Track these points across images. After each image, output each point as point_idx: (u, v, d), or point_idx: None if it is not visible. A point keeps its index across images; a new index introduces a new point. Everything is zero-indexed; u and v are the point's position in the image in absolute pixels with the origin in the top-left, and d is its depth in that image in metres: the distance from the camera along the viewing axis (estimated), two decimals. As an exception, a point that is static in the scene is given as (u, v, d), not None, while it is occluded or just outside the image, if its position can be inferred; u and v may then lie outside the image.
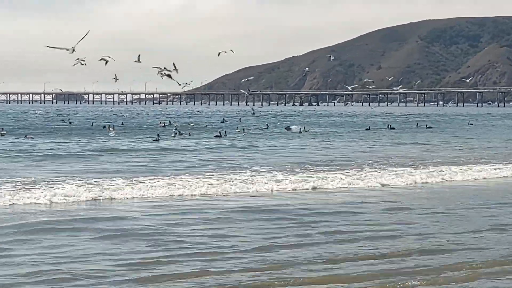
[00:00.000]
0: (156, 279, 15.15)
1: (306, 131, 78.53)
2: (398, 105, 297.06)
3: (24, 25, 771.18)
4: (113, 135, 67.72)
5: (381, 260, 16.85)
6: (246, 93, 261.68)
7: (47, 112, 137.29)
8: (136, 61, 50.59)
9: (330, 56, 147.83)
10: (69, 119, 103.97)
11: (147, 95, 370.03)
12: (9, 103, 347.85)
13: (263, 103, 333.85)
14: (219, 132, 69.62)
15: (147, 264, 16.28)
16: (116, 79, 57.81)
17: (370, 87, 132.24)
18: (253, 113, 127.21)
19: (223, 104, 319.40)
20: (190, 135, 69.31)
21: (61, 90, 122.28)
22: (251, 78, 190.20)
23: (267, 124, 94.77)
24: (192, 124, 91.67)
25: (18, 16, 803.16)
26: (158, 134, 63.85)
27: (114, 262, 16.47)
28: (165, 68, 49.29)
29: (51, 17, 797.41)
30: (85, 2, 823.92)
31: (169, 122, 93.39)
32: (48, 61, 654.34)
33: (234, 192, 29.30)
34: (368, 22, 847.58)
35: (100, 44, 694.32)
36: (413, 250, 17.83)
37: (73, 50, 38.27)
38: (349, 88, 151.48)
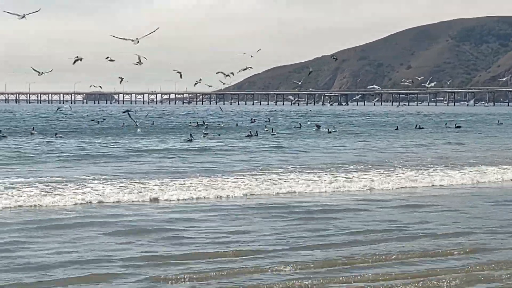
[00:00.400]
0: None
1: (335, 130, 78.56)
2: (428, 105, 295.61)
3: (53, 25, 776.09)
4: (140, 132, 68.71)
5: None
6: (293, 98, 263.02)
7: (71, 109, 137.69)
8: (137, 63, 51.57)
9: (334, 58, 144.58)
10: (98, 119, 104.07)
11: (176, 95, 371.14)
12: (40, 103, 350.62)
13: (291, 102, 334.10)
14: (250, 132, 70.09)
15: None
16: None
17: (407, 82, 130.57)
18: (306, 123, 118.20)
19: (252, 104, 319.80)
20: (219, 135, 69.76)
21: (101, 87, 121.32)
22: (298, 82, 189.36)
23: (299, 124, 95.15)
24: (222, 124, 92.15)
25: (48, 16, 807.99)
26: (191, 134, 64.21)
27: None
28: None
29: (80, 17, 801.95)
30: (116, 2, 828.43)
31: (203, 122, 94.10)
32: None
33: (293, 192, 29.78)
34: (398, 21, 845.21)
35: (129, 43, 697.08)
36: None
37: (138, 41, 39.24)
38: (376, 87, 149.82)
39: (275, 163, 41.12)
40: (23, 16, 40.24)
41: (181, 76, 57.64)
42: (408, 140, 64.17)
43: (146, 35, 41.23)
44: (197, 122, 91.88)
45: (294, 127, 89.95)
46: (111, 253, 17.63)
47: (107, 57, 54.66)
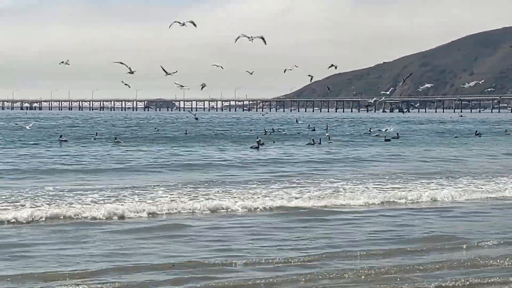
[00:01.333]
0: None
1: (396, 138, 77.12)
2: (491, 112, 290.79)
3: (116, 33, 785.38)
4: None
5: None
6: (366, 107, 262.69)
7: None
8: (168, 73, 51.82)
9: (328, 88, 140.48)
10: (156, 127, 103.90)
11: (237, 102, 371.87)
12: (103, 110, 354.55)
13: (353, 109, 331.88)
14: (312, 140, 68.87)
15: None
16: (203, 86, 58.17)
17: (468, 84, 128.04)
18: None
19: (313, 111, 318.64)
20: (274, 142, 69.14)
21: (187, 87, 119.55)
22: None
23: (369, 129, 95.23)
24: (284, 132, 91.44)
25: (109, 23, 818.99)
26: (258, 141, 63.53)
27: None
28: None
29: (142, 25, 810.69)
30: (181, 9, 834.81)
31: (272, 129, 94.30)
32: (138, 68, 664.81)
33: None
34: (460, 27, 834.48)
35: (195, 51, 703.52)
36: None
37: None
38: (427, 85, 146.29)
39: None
40: (183, 24, 41.63)
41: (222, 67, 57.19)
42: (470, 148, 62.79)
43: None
44: (266, 130, 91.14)
45: (361, 134, 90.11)
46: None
47: (62, 61, 54.87)
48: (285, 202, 27.53)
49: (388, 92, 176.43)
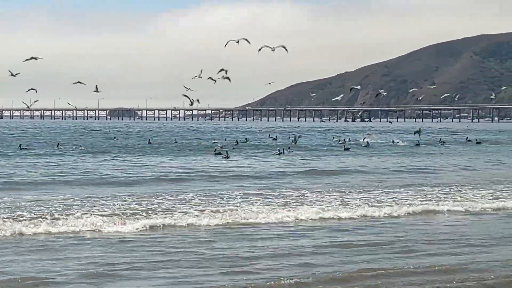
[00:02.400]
0: None
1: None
2: (452, 121, 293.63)
3: (86, 44, 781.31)
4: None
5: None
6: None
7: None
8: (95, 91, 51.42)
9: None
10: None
11: (199, 111, 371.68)
12: (65, 119, 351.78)
13: (315, 119, 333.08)
14: (282, 149, 68.35)
15: None
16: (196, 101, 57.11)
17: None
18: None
19: (275, 120, 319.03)
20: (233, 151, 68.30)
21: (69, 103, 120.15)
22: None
23: (333, 138, 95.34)
24: (247, 142, 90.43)
25: (81, 33, 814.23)
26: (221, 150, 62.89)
27: None
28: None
29: (114, 35, 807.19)
30: (152, 20, 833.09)
31: (245, 139, 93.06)
32: (102, 77, 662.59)
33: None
34: (421, 37, 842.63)
35: (161, 60, 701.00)
36: None
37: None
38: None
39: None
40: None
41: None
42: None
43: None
44: (237, 140, 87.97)
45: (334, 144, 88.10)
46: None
47: (10, 73, 54.12)
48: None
49: (339, 98, 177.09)
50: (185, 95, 55.37)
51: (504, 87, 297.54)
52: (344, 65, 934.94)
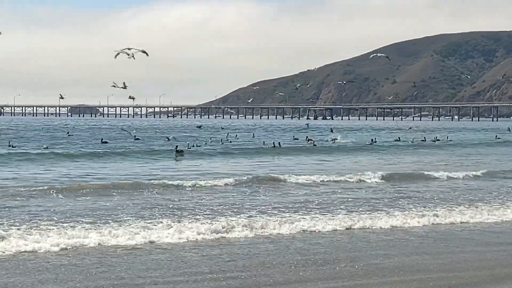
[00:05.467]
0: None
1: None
2: (413, 119, 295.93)
3: (41, 41, 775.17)
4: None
5: None
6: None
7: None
8: (122, 87, 51.46)
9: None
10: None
11: (161, 109, 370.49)
12: (25, 115, 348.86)
13: (277, 116, 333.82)
14: (276, 143, 69.93)
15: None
16: (133, 98, 57.66)
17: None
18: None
19: (237, 118, 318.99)
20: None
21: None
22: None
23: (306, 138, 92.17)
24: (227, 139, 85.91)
25: (35, 31, 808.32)
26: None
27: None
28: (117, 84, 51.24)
29: (67, 32, 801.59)
30: (101, 18, 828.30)
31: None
32: (63, 75, 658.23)
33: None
34: (383, 36, 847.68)
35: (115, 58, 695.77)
36: None
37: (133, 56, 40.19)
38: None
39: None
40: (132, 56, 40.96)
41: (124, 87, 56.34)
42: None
43: (139, 50, 41.47)
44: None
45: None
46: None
47: None
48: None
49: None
50: (113, 86, 55.16)
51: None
52: (306, 64, 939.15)
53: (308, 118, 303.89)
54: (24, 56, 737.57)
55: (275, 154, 61.56)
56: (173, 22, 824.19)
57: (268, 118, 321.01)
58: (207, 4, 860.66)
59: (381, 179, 38.18)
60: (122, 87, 52.05)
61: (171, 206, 26.89)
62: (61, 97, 73.34)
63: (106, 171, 42.51)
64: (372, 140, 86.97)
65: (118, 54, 44.64)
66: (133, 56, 44.52)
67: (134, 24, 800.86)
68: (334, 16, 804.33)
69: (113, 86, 53.76)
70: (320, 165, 49.63)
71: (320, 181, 36.74)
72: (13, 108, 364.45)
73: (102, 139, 79.73)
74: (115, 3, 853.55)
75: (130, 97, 60.08)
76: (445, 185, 36.97)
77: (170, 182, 34.33)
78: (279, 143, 71.36)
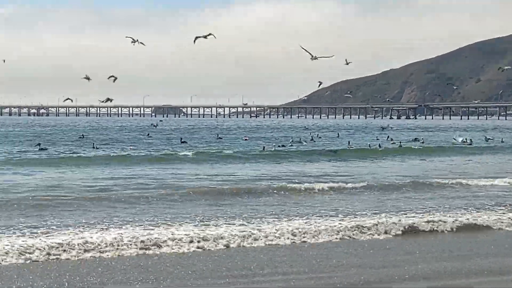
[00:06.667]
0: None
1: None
2: (498, 119, 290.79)
3: (125, 45, 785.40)
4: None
5: None
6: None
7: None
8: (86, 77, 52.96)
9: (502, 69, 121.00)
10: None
11: (244, 108, 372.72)
12: (110, 116, 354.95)
13: (360, 116, 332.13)
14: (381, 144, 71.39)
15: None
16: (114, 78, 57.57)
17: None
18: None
19: (320, 118, 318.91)
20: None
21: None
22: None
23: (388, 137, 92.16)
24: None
25: (114, 33, 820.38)
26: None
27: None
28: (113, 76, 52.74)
29: (150, 33, 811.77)
30: (179, 20, 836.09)
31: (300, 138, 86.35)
32: (146, 75, 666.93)
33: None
34: (467, 34, 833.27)
35: (191, 58, 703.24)
36: None
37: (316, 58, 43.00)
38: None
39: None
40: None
41: (114, 80, 56.89)
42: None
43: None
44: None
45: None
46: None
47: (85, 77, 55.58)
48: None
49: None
50: (86, 78, 56.25)
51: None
52: (390, 63, 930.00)
53: (391, 118, 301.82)
54: (112, 59, 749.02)
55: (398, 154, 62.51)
56: (248, 21, 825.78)
57: (350, 117, 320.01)
58: (286, 2, 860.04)
59: None
60: (85, 78, 54.15)
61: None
62: (68, 99, 74.18)
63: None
64: (485, 138, 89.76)
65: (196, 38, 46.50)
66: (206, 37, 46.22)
67: (212, 25, 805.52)
68: (417, 13, 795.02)
69: (85, 78, 55.68)
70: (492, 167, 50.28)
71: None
72: (98, 109, 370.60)
73: (181, 139, 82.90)
74: (193, 3, 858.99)
75: (110, 77, 59.26)
76: None
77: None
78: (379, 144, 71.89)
